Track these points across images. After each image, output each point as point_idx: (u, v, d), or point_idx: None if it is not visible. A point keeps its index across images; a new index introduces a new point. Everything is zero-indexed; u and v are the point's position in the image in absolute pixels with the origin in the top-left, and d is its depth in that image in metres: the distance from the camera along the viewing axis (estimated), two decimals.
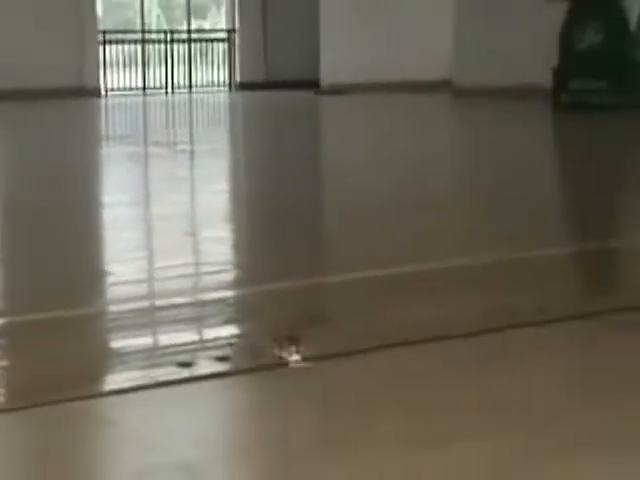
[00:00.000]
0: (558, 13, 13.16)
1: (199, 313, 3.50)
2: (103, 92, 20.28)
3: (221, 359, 2.84)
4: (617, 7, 13.08)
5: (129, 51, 21.33)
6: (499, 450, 2.16)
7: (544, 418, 2.37)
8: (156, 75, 21.55)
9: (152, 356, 2.97)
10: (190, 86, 21.70)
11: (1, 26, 18.95)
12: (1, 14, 19.07)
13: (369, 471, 2.08)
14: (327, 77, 19.27)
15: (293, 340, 2.87)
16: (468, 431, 2.28)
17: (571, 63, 13.19)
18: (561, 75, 13.24)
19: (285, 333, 2.95)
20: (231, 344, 3.07)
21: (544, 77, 13.28)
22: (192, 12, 22.43)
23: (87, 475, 2.18)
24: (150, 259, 4.86)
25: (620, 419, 2.36)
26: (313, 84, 19.42)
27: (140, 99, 19.78)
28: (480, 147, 9.88)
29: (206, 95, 20.62)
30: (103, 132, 14.00)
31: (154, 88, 21.30)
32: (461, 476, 2.05)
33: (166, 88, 21.41)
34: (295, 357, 2.78)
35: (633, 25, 13.22)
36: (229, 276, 4.30)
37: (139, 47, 21.43)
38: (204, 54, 22.14)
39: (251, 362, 2.83)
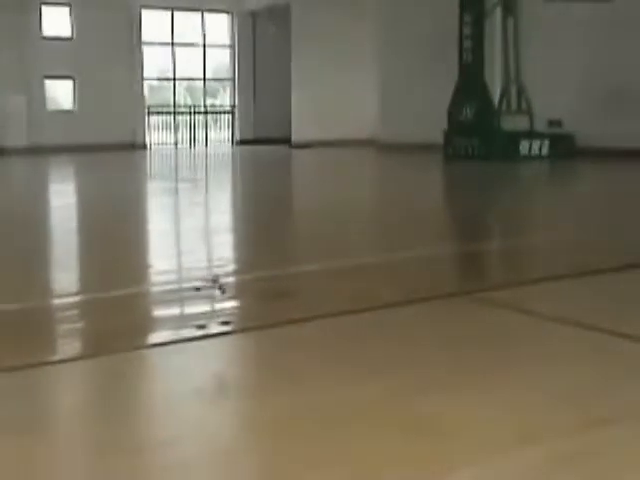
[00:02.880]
0: (448, 93, 13.27)
1: (211, 293, 3.45)
2: (148, 146, 20.20)
3: (225, 323, 2.80)
4: (484, 91, 13.19)
5: (165, 119, 21.30)
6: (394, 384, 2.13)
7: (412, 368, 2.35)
8: (183, 135, 21.53)
9: (179, 321, 2.92)
10: (206, 142, 21.68)
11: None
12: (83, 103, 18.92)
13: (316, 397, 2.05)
14: (296, 136, 19.32)
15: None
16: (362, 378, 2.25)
17: (454, 128, 13.28)
18: (448, 136, 13.33)
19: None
20: (231, 313, 3.04)
21: (438, 137, 13.37)
22: (207, 93, 22.42)
23: (137, 399, 2.13)
24: (178, 256, 4.81)
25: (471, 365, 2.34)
26: (287, 141, 19.44)
27: (172, 151, 19.72)
28: (391, 181, 9.93)
29: (216, 148, 20.60)
30: (148, 172, 13.93)
31: (181, 144, 21.26)
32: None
33: (190, 143, 21.36)
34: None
35: (495, 103, 13.34)
36: (230, 268, 4.26)
37: (172, 117, 21.40)
38: (215, 121, 22.17)
39: (244, 325, 2.80)
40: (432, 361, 2.34)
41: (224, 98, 22.67)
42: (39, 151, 17.49)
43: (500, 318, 2.87)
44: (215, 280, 3.43)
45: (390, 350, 2.47)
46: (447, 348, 2.49)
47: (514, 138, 12.80)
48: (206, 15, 21.55)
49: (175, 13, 21.03)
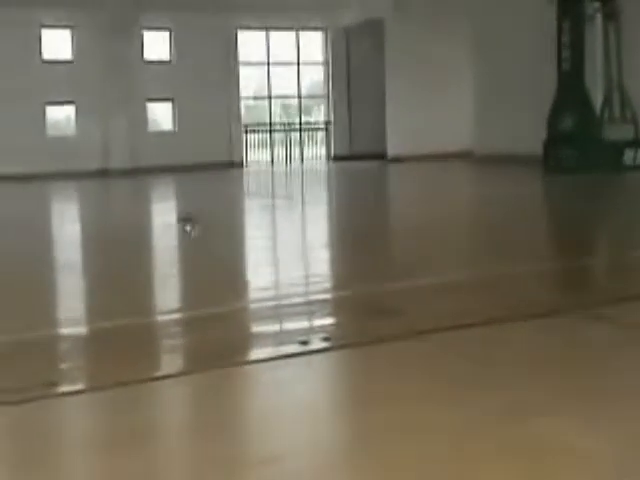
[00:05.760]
0: (547, 104, 13.00)
1: (310, 308, 3.48)
2: (245, 164, 20.55)
3: (326, 339, 2.81)
4: (586, 99, 12.85)
5: (261, 137, 21.64)
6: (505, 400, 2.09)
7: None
8: (279, 152, 21.81)
9: (282, 337, 2.95)
10: (302, 159, 21.90)
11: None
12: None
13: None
14: (392, 151, 19.29)
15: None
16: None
17: (555, 138, 12.98)
18: (548, 147, 13.04)
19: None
20: (332, 329, 3.05)
21: (538, 148, 13.09)
22: (302, 111, 22.65)
23: (248, 410, 2.17)
24: (276, 272, 4.86)
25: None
26: (382, 156, 19.43)
27: (269, 168, 19.99)
28: (490, 194, 9.75)
29: (312, 165, 20.77)
30: (246, 190, 14.15)
31: (278, 161, 21.54)
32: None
33: (285, 160, 21.63)
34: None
35: (597, 112, 12.98)
36: (328, 283, 4.27)
37: (268, 135, 21.73)
38: (310, 138, 22.38)
39: (345, 341, 2.80)
40: (537, 381, 2.29)
41: (318, 115, 22.88)
42: (141, 172, 18.06)
43: (607, 336, 2.78)
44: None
45: (493, 368, 2.44)
46: (553, 368, 2.44)
47: (618, 148, 12.41)
48: (300, 33, 21.85)
49: (270, 33, 21.42)
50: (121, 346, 2.86)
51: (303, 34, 22.14)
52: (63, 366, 2.61)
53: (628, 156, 12.29)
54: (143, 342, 2.93)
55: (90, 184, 15.90)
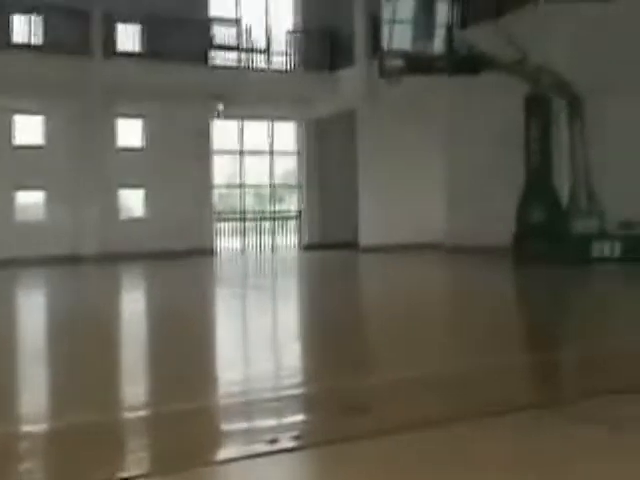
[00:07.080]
0: (515, 197, 13.28)
1: (280, 405, 3.43)
2: (217, 252, 20.57)
3: (296, 437, 2.77)
4: (553, 193, 13.18)
5: (233, 225, 21.75)
6: None
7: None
8: (251, 240, 21.90)
9: (251, 435, 2.90)
10: (273, 247, 21.98)
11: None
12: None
13: None
14: (364, 240, 19.44)
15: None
16: None
17: (523, 230, 13.21)
18: (517, 239, 13.26)
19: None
20: (302, 427, 3.01)
21: (507, 240, 13.30)
22: (275, 200, 22.89)
23: None
24: (246, 366, 4.81)
25: None
26: (354, 245, 19.58)
27: (240, 256, 20.02)
28: (461, 286, 9.84)
29: (283, 254, 20.84)
30: (216, 278, 14.12)
31: (249, 249, 21.60)
32: None
33: (257, 249, 21.69)
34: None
35: (564, 205, 13.26)
36: (299, 378, 4.24)
37: (240, 223, 21.86)
38: (282, 226, 22.55)
39: (315, 439, 2.77)
40: None
41: (291, 203, 23.13)
42: (112, 258, 18.00)
43: (583, 435, 2.77)
44: None
45: (464, 474, 2.41)
46: (526, 468, 2.41)
47: (585, 240, 12.64)
48: (274, 123, 22.26)
49: (244, 122, 21.80)
50: (83, 445, 2.79)
51: (276, 124, 22.56)
52: (24, 467, 2.54)
53: (595, 249, 12.52)
54: (107, 441, 2.86)
55: (59, 271, 15.77)
